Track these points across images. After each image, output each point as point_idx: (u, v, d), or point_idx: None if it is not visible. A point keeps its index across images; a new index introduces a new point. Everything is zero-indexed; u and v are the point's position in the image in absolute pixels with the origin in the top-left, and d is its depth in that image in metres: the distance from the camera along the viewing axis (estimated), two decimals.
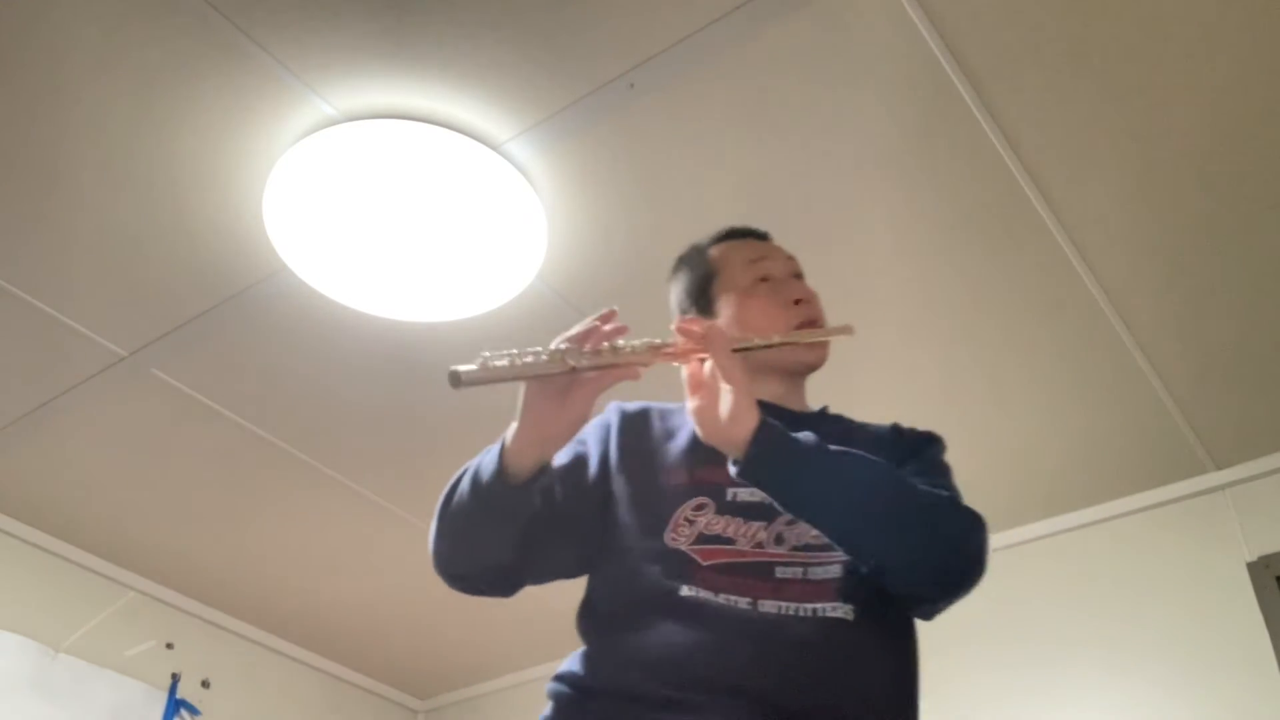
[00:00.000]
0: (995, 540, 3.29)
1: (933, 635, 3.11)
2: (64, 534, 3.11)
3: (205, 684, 3.30)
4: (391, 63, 1.89)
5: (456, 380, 1.05)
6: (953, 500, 1.23)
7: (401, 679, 3.82)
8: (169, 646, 3.27)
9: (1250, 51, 1.82)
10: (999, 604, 2.86)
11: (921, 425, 2.52)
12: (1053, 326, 2.34)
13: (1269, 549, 2.52)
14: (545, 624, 2.85)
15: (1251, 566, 2.52)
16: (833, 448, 1.16)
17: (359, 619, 3.41)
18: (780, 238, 2.19)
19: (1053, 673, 2.66)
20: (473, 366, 1.06)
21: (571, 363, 1.12)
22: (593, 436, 1.35)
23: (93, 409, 2.66)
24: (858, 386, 2.52)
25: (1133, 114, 1.93)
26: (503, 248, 2.17)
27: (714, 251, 1.49)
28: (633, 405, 1.39)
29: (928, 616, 1.26)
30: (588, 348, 1.14)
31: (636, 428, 1.35)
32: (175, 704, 3.19)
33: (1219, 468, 2.67)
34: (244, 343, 2.48)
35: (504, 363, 1.07)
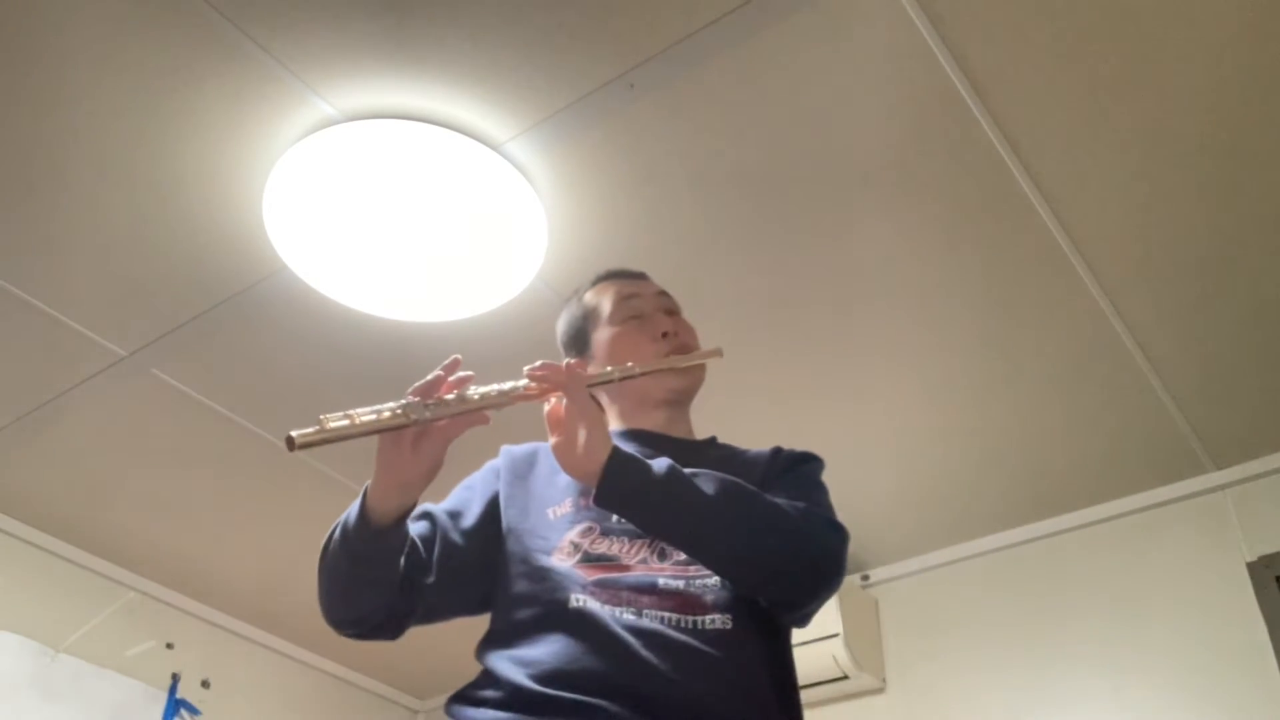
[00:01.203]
0: (996, 540, 3.31)
1: (932, 635, 3.12)
2: (64, 534, 3.11)
3: (205, 684, 3.30)
4: (392, 63, 1.89)
5: (290, 444, 1.08)
6: (806, 510, 1.28)
7: (401, 679, 3.82)
8: (169, 646, 3.27)
9: (1250, 52, 1.82)
10: (999, 604, 2.86)
11: (921, 426, 2.53)
12: (1053, 327, 2.34)
13: (1269, 549, 2.53)
14: None
15: (1251, 566, 2.52)
16: (687, 470, 1.22)
17: None
18: (780, 238, 2.20)
19: (1053, 673, 2.67)
20: (309, 430, 1.09)
21: (414, 417, 1.15)
22: (480, 481, 1.41)
23: (93, 409, 2.66)
24: (857, 387, 2.53)
25: (1133, 114, 1.93)
26: (503, 248, 2.17)
27: (588, 295, 1.57)
28: (521, 447, 1.46)
29: (799, 623, 1.31)
30: (433, 399, 1.18)
31: (523, 466, 1.42)
32: (175, 704, 3.19)
33: (1219, 468, 2.68)
34: (244, 343, 2.48)
35: (343, 422, 1.11)
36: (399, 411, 1.15)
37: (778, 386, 2.53)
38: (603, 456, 1.18)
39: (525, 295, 2.29)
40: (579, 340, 1.53)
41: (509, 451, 1.45)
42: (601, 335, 1.50)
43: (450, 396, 1.19)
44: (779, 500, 1.25)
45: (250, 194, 2.11)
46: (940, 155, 2.02)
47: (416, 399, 1.17)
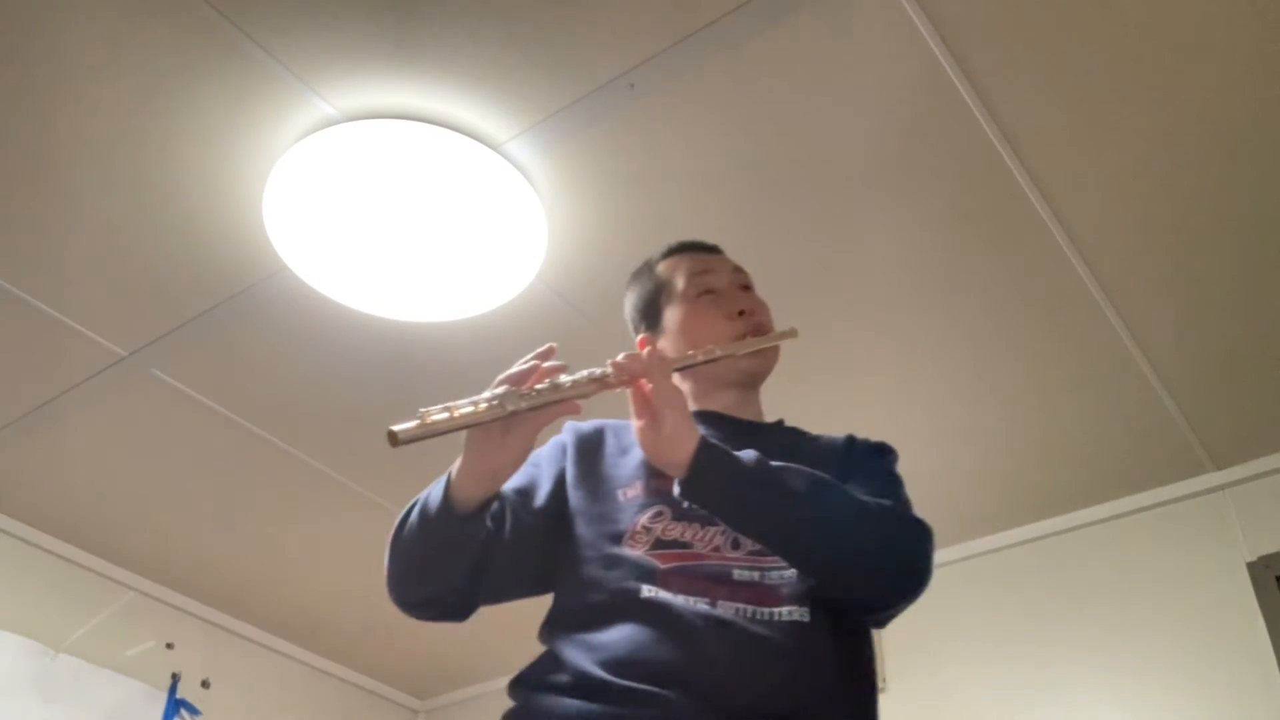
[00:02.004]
0: (996, 541, 3.31)
1: (933, 635, 3.12)
2: (64, 534, 3.11)
3: (205, 684, 3.29)
4: (391, 63, 1.89)
5: (394, 439, 1.06)
6: (894, 510, 1.26)
7: (401, 679, 3.82)
8: (169, 646, 3.27)
9: (1249, 52, 1.82)
10: (999, 604, 2.86)
11: (922, 425, 2.53)
12: (1052, 326, 2.34)
13: (1269, 549, 2.52)
14: None
15: (1251, 566, 2.52)
16: (774, 464, 1.19)
17: (359, 618, 3.41)
18: (780, 238, 2.19)
19: (1053, 673, 2.66)
20: (411, 424, 1.07)
21: (510, 408, 1.14)
22: (547, 458, 1.38)
23: (93, 409, 2.66)
24: (857, 387, 2.53)
25: (1133, 114, 1.93)
26: (503, 248, 2.17)
27: (661, 267, 1.52)
28: (587, 424, 1.42)
29: (879, 624, 1.28)
30: (526, 388, 1.17)
31: (591, 445, 1.38)
32: (175, 704, 3.19)
33: (1219, 468, 2.67)
34: (244, 343, 2.48)
35: (442, 416, 1.09)
36: (495, 403, 1.13)
37: (776, 386, 2.52)
38: (690, 446, 1.15)
39: (525, 295, 2.29)
40: (651, 313, 1.48)
41: (576, 428, 1.41)
42: (674, 311, 1.45)
43: (542, 385, 1.17)
44: (866, 498, 1.22)
45: (250, 194, 2.11)
46: (940, 155, 2.02)
47: (511, 389, 1.16)
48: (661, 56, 1.86)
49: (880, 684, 2.91)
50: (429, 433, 1.07)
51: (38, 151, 2.05)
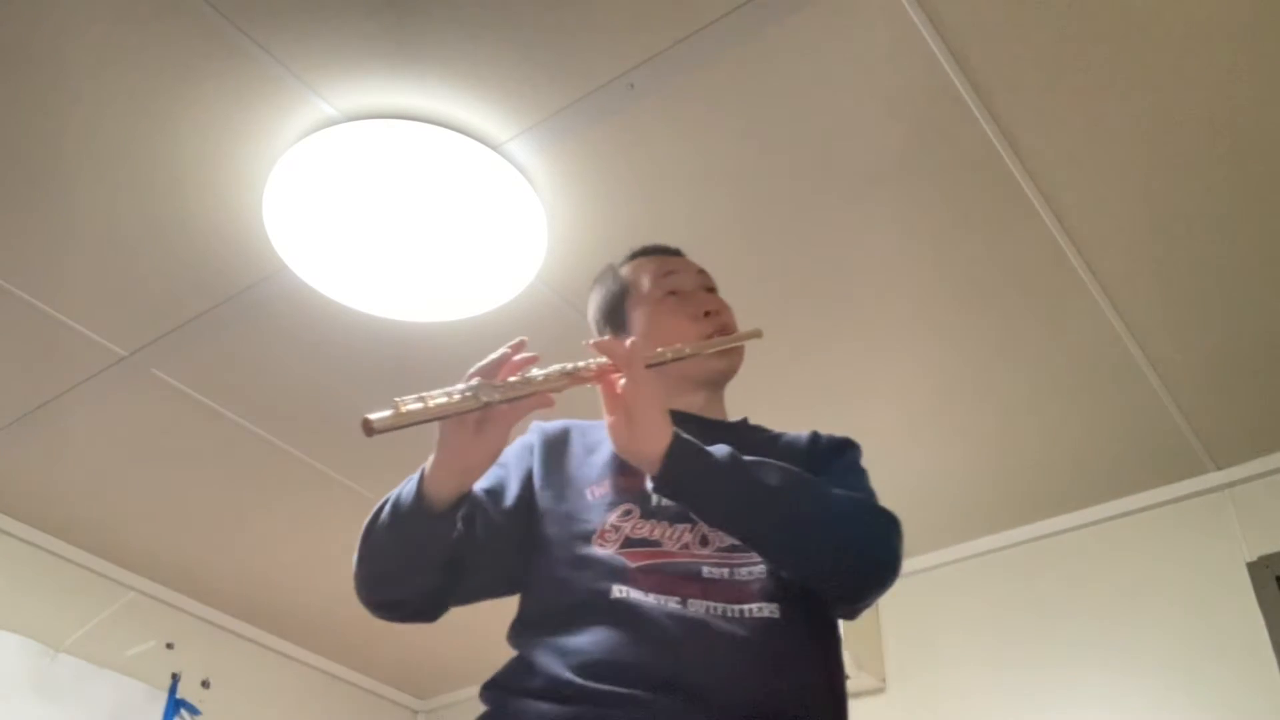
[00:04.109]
0: (996, 541, 3.30)
1: (934, 635, 3.12)
2: (64, 534, 3.11)
3: (205, 684, 3.30)
4: (392, 63, 1.89)
5: (369, 428, 1.05)
6: (865, 502, 1.26)
7: (401, 679, 3.82)
8: (169, 646, 3.27)
9: (1250, 51, 1.82)
10: (999, 604, 2.86)
11: (922, 425, 2.53)
12: (1052, 326, 2.34)
13: (1269, 549, 2.52)
14: None
15: (1251, 566, 2.52)
16: (746, 458, 1.19)
17: (359, 618, 3.39)
18: (779, 238, 2.19)
19: (1053, 673, 2.67)
20: (385, 413, 1.06)
21: (485, 399, 1.13)
22: (514, 458, 1.37)
23: (93, 409, 2.66)
24: (855, 386, 2.53)
25: (1133, 114, 1.93)
26: (503, 248, 2.17)
27: (625, 270, 1.53)
28: (553, 424, 1.42)
29: (849, 616, 1.28)
30: (499, 381, 1.16)
31: (558, 445, 1.38)
32: (175, 704, 3.19)
33: (1219, 468, 2.67)
34: (244, 343, 2.48)
35: (417, 405, 1.08)
36: (469, 394, 1.12)
37: (776, 386, 2.53)
38: (664, 441, 1.14)
39: (525, 295, 2.29)
40: (615, 316, 1.49)
41: (542, 428, 1.41)
42: (640, 312, 1.46)
43: (514, 378, 1.17)
44: (837, 491, 1.23)
45: (250, 194, 2.11)
46: (940, 155, 2.02)
47: (483, 381, 1.15)
48: (661, 56, 1.86)
49: (880, 684, 2.92)
50: (403, 422, 1.07)
51: (38, 151, 2.05)
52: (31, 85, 1.92)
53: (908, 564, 3.12)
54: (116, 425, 2.71)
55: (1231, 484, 2.66)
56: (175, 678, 3.24)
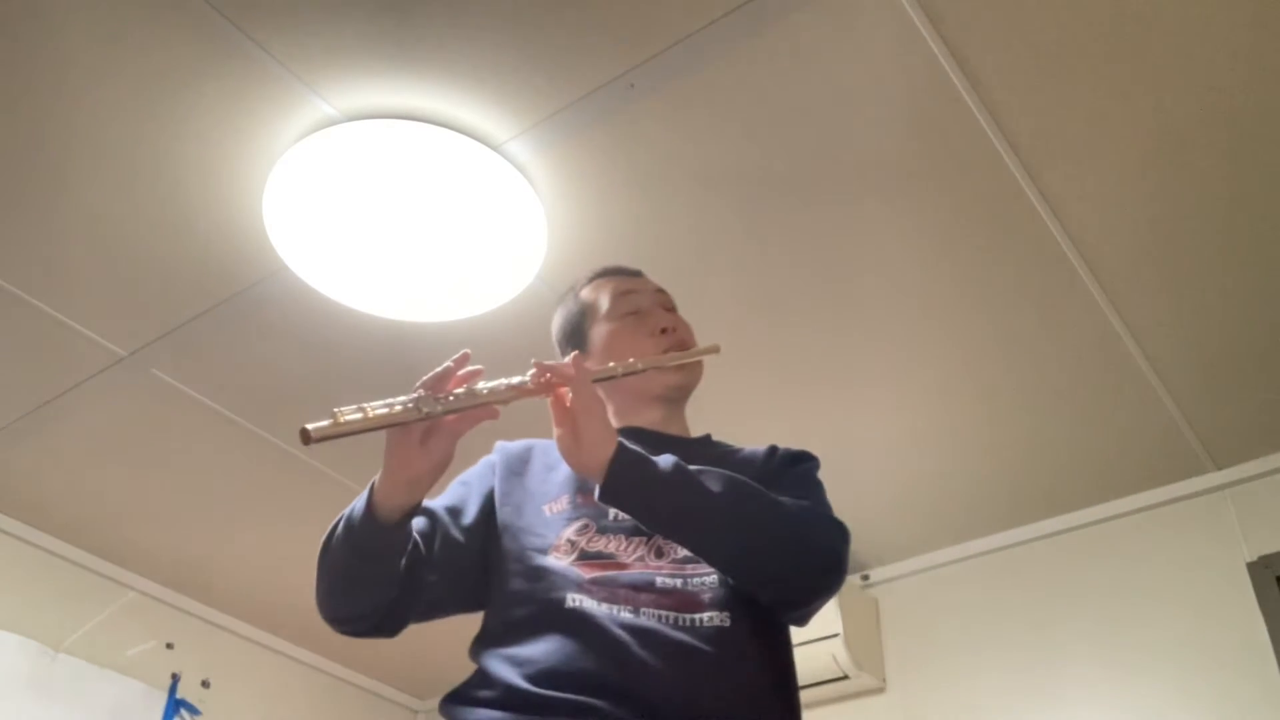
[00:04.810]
0: (996, 541, 3.30)
1: (934, 635, 3.12)
2: (64, 534, 3.11)
3: (205, 684, 3.30)
4: (392, 63, 1.89)
5: (306, 437, 1.06)
6: (810, 509, 1.28)
7: (401, 679, 3.82)
8: (169, 646, 3.27)
9: (1250, 51, 1.82)
10: (999, 604, 2.86)
11: (922, 425, 2.53)
12: (1052, 326, 2.34)
13: (1269, 549, 2.53)
14: None
15: (1251, 566, 2.52)
16: (691, 467, 1.21)
17: None
18: (780, 238, 2.19)
19: (1053, 673, 2.67)
20: (323, 423, 1.07)
21: (426, 410, 1.14)
22: (476, 476, 1.40)
23: (93, 409, 2.66)
24: (856, 388, 2.53)
25: (1133, 114, 1.93)
26: (503, 248, 2.17)
27: (585, 291, 1.56)
28: (516, 444, 1.45)
29: (799, 621, 1.30)
30: (443, 393, 1.17)
31: (519, 463, 1.41)
32: (175, 704, 3.19)
33: (1219, 468, 2.68)
34: (244, 343, 2.48)
35: (356, 416, 1.09)
36: (410, 405, 1.14)
37: (777, 386, 2.53)
38: (608, 452, 1.17)
39: (525, 295, 2.29)
40: (576, 336, 1.53)
41: (504, 448, 1.44)
42: (599, 331, 1.49)
43: (459, 391, 1.19)
44: (783, 499, 1.25)
45: (250, 194, 2.11)
46: (940, 155, 2.02)
47: (426, 393, 1.16)
48: (661, 56, 1.86)
49: (880, 684, 2.92)
50: (341, 431, 1.08)
51: (38, 152, 2.05)
52: (31, 85, 1.92)
53: (908, 564, 3.15)
54: (116, 425, 2.71)
55: (1231, 484, 2.66)
56: (175, 678, 3.24)
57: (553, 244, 2.20)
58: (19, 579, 3.03)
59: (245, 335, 2.46)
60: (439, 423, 1.18)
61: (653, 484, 1.18)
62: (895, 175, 2.06)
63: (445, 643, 3.39)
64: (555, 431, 1.21)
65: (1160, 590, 2.62)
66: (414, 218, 2.08)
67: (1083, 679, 2.62)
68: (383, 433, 1.12)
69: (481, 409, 1.19)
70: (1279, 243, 2.14)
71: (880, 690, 2.91)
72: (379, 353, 2.46)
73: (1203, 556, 2.61)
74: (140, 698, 3.14)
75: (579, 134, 2.01)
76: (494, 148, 2.02)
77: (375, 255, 2.14)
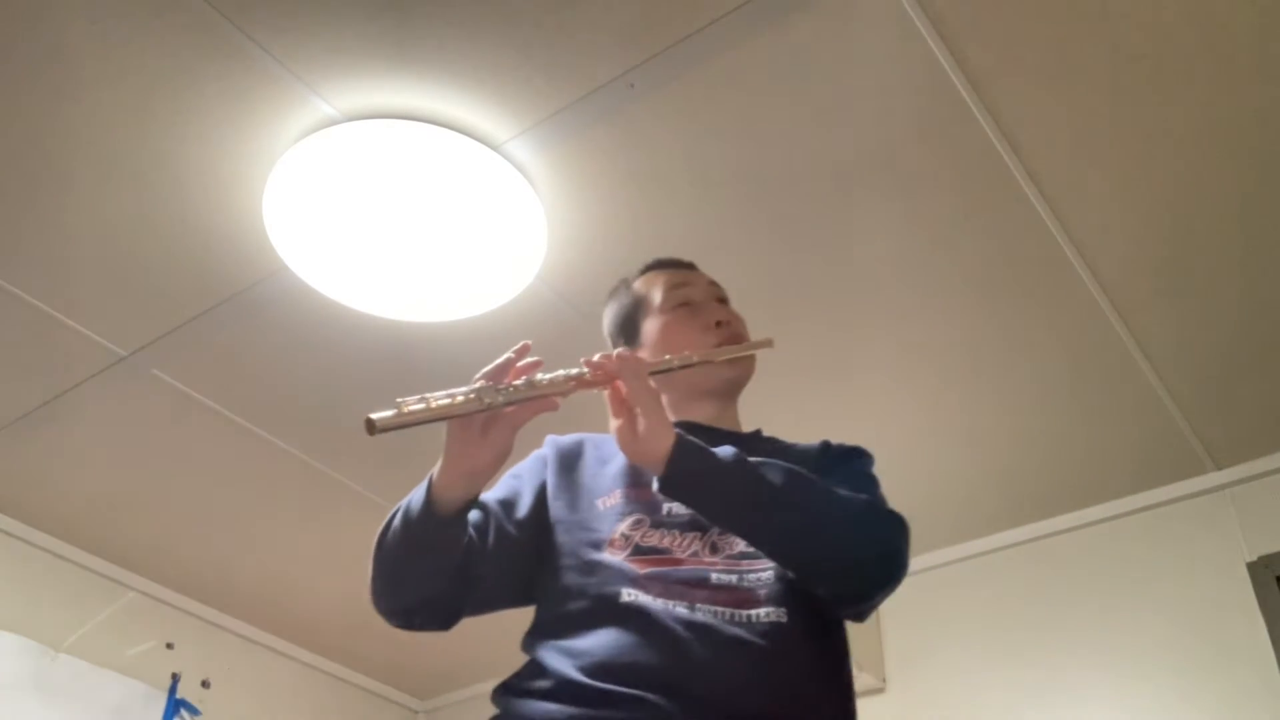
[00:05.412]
0: (996, 541, 3.30)
1: (934, 635, 3.12)
2: (64, 534, 3.11)
3: (205, 684, 3.30)
4: (392, 63, 1.89)
5: (371, 427, 1.07)
6: (870, 502, 1.27)
7: (401, 679, 3.82)
8: (169, 646, 3.27)
9: (1250, 52, 1.82)
10: (999, 604, 2.86)
11: (922, 425, 2.53)
12: (1053, 327, 2.34)
13: (1269, 549, 2.52)
14: None
15: (1251, 566, 2.52)
16: (751, 459, 1.20)
17: (359, 619, 3.40)
18: (778, 238, 2.19)
19: (1053, 673, 2.66)
20: (388, 413, 1.08)
21: (488, 400, 1.14)
22: (528, 470, 1.40)
23: (93, 409, 2.66)
24: (856, 388, 2.53)
25: (1133, 114, 1.93)
26: (503, 248, 2.17)
27: (638, 283, 1.55)
28: (567, 438, 1.44)
29: (858, 618, 1.28)
30: (504, 384, 1.17)
31: (571, 457, 1.41)
32: (175, 704, 3.19)
33: (1219, 468, 2.67)
34: (244, 343, 2.48)
35: (419, 406, 1.10)
36: (472, 396, 1.14)
37: (777, 386, 2.52)
38: (668, 443, 1.16)
39: (525, 295, 2.29)
40: (628, 329, 1.51)
41: (555, 441, 1.43)
42: (652, 324, 1.48)
43: (519, 382, 1.18)
44: (843, 492, 1.24)
45: (250, 194, 2.11)
46: (940, 155, 2.02)
47: (488, 383, 1.16)
48: (661, 56, 1.86)
49: (880, 684, 2.92)
50: (405, 422, 1.08)
51: (38, 152, 2.05)
52: (31, 85, 1.92)
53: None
54: (116, 425, 2.71)
55: (1231, 484, 2.66)
56: (175, 678, 3.24)
57: (553, 244, 2.20)
58: (19, 579, 3.03)
59: (245, 335, 2.46)
60: (499, 414, 1.18)
61: (713, 475, 1.18)
62: (895, 175, 2.06)
63: (445, 643, 3.40)
64: (612, 423, 1.20)
65: (1160, 590, 2.62)
66: (414, 218, 2.08)
67: (1083, 679, 2.62)
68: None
69: (541, 400, 1.19)
70: (1279, 244, 2.14)
71: (880, 690, 2.91)
72: (379, 353, 2.46)
73: (1203, 556, 2.61)
74: (140, 698, 3.14)
75: (579, 134, 2.01)
76: (494, 148, 2.02)
77: (375, 255, 2.14)
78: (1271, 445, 2.60)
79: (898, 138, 2.00)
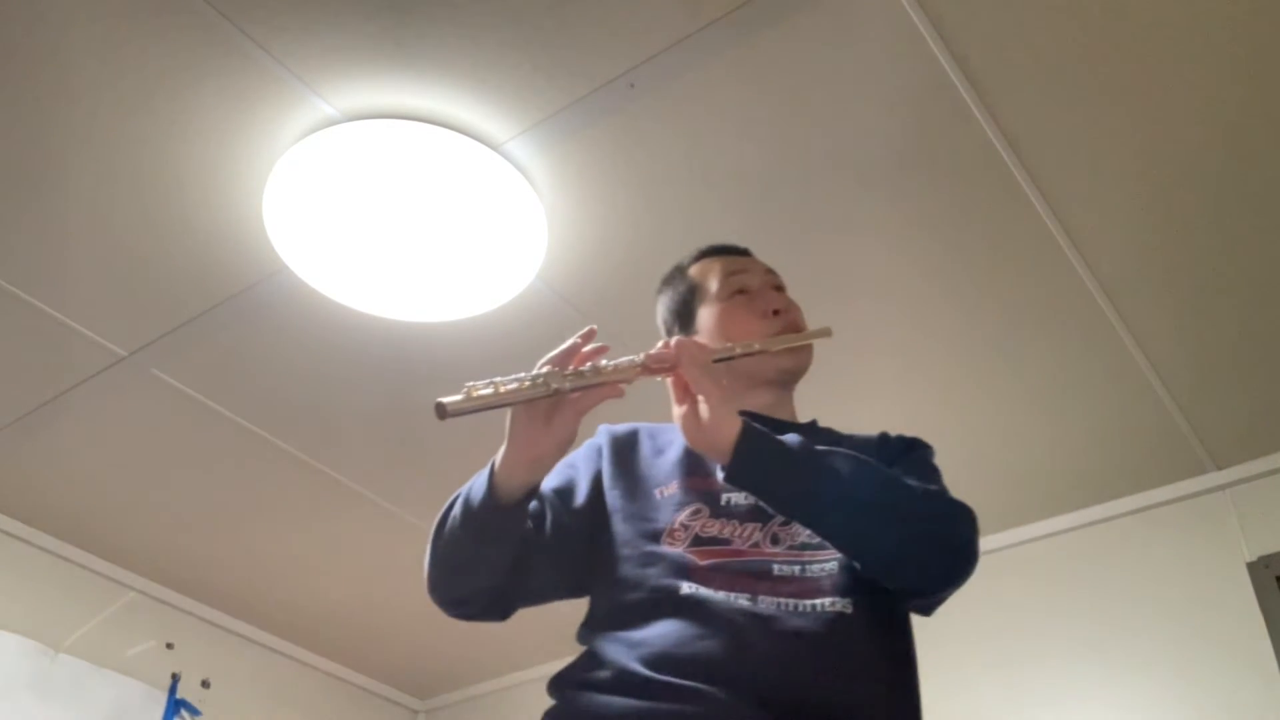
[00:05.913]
0: (996, 540, 3.31)
1: (933, 634, 3.10)
2: (64, 534, 3.11)
3: (205, 684, 3.29)
4: (392, 63, 1.89)
5: (442, 412, 1.06)
6: (941, 494, 1.25)
7: (401, 679, 3.82)
8: (169, 646, 3.27)
9: (1250, 52, 1.82)
10: (999, 604, 2.86)
11: (922, 425, 2.53)
12: (1053, 326, 2.34)
13: (1269, 549, 2.52)
14: (546, 624, 2.82)
15: (1251, 566, 2.52)
16: (819, 447, 1.18)
17: (359, 619, 3.41)
18: (779, 238, 2.19)
19: (1053, 673, 2.66)
20: (458, 397, 1.07)
21: (555, 386, 1.13)
22: (583, 459, 1.38)
23: (93, 409, 2.66)
24: (855, 388, 2.53)
25: (1133, 115, 1.93)
26: (503, 248, 2.17)
27: (693, 269, 1.52)
28: (621, 426, 1.42)
29: (925, 611, 1.27)
30: (569, 369, 1.16)
31: (626, 446, 1.38)
32: (175, 704, 3.19)
33: (1219, 468, 2.67)
34: (244, 343, 2.48)
35: (488, 391, 1.09)
36: (540, 381, 1.13)
37: None
38: (734, 430, 1.13)
39: (525, 295, 2.29)
40: (684, 315, 1.48)
41: (609, 430, 1.41)
42: (708, 311, 1.45)
43: (585, 368, 1.17)
44: (912, 482, 1.21)
45: (250, 194, 2.11)
46: (940, 155, 2.02)
47: (554, 369, 1.15)
48: (661, 56, 1.86)
49: None
50: (475, 406, 1.07)
51: (38, 152, 2.05)
52: (31, 85, 1.92)
53: None
54: (116, 425, 2.71)
55: (1231, 484, 2.66)
56: (175, 678, 3.24)
57: (553, 244, 2.20)
58: (19, 579, 3.03)
59: (245, 335, 2.46)
60: (564, 400, 1.16)
61: (781, 463, 1.15)
62: (895, 175, 2.06)
63: (445, 643, 3.41)
64: (675, 410, 1.18)
65: (1160, 590, 2.62)
66: (414, 218, 2.08)
67: (1082, 679, 2.62)
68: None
69: (606, 387, 1.17)
70: (1279, 243, 2.14)
71: None
72: (379, 353, 2.46)
73: (1203, 556, 2.60)
74: (140, 698, 3.14)
75: (579, 134, 2.01)
76: (494, 148, 2.02)
77: (375, 255, 2.14)
78: (1271, 445, 2.60)
79: (898, 138, 2.00)
